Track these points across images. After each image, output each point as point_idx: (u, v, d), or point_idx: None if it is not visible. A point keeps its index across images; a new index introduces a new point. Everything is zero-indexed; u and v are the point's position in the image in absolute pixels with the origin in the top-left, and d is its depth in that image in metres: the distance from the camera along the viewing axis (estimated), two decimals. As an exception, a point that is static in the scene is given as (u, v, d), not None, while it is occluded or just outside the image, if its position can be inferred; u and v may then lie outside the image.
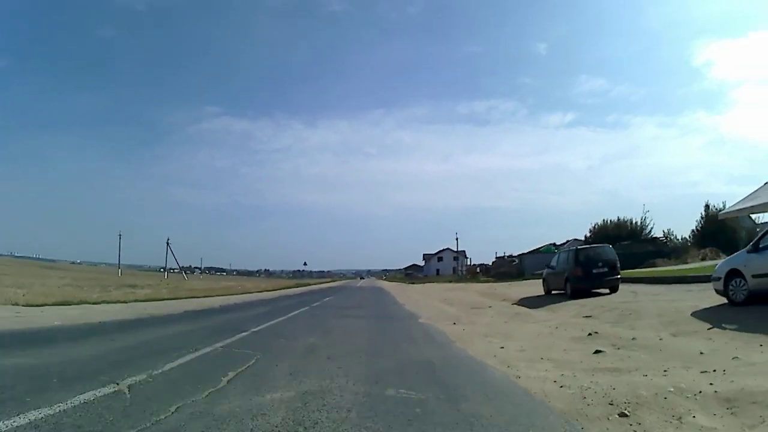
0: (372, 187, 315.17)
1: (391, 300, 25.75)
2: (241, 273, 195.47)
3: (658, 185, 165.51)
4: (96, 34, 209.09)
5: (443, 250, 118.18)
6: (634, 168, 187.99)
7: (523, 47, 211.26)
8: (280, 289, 46.19)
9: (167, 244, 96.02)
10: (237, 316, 15.22)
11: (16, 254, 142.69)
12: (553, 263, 21.38)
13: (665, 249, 36.07)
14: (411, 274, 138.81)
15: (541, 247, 60.70)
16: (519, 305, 17.58)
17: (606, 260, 18.60)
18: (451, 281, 55.56)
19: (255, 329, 10.75)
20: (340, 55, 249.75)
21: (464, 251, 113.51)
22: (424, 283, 59.29)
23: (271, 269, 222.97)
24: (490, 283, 39.65)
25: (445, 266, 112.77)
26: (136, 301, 21.02)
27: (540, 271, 42.16)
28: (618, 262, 18.83)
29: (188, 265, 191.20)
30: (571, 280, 18.60)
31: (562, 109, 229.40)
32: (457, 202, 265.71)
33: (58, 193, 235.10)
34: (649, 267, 29.64)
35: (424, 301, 23.47)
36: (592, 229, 46.33)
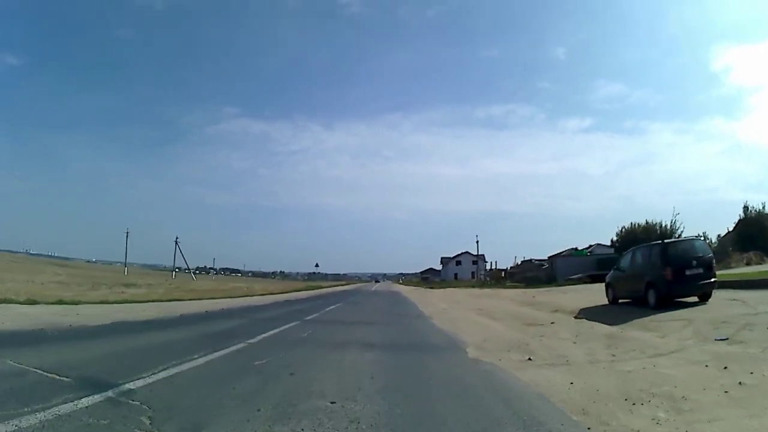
0: (389, 191, 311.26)
1: (414, 311, 20.51)
2: (256, 274, 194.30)
3: (675, 192, 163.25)
4: (114, 34, 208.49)
5: (462, 253, 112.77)
6: (651, 174, 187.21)
7: (541, 52, 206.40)
8: (287, 291, 42.32)
9: (176, 242, 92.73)
10: (190, 334, 10.23)
11: (31, 252, 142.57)
12: (624, 264, 16.51)
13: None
14: (428, 278, 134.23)
15: (570, 249, 55.59)
16: (590, 320, 12.96)
17: (700, 258, 13.87)
18: (473, 286, 50.54)
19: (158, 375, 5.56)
20: (359, 58, 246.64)
21: (483, 255, 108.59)
22: (443, 288, 54.18)
23: (286, 271, 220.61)
24: (521, 289, 34.60)
25: (464, 270, 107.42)
26: (117, 302, 18.57)
27: (574, 276, 38.12)
28: (714, 261, 14.34)
29: (204, 266, 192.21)
30: (658, 284, 13.86)
31: (580, 115, 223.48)
32: (473, 207, 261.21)
33: (75, 192, 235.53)
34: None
35: (456, 313, 18.61)
36: (619, 233, 44.00)
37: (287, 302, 26.16)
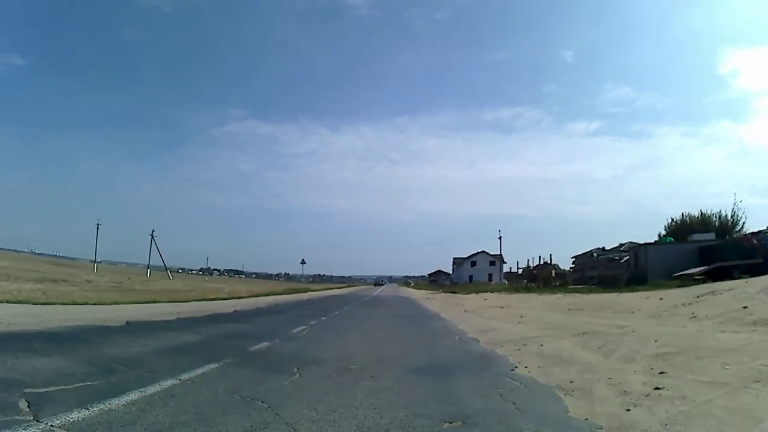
0: (395, 194, 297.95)
1: (481, 356, 8.12)
2: (260, 276, 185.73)
3: (681, 196, 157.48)
4: (121, 35, 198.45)
5: (478, 253, 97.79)
6: (657, 178, 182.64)
7: (549, 55, 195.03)
8: (268, 295, 32.64)
9: (151, 237, 78.91)
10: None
11: (36, 251, 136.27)
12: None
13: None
14: (436, 281, 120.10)
15: (596, 249, 43.15)
16: None
17: None
18: (506, 290, 35.78)
19: None
20: (366, 61, 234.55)
21: (501, 255, 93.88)
22: (465, 292, 39.60)
23: (291, 273, 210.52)
24: (606, 294, 19.94)
25: (480, 272, 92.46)
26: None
27: (682, 273, 22.55)
28: None
29: (207, 267, 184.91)
30: None
31: (587, 118, 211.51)
32: (481, 210, 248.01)
33: (82, 193, 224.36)
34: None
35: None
36: (668, 225, 38.33)
37: (241, 315, 15.99)
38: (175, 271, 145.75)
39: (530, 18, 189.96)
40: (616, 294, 20.74)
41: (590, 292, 25.03)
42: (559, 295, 25.01)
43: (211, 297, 24.69)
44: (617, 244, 47.50)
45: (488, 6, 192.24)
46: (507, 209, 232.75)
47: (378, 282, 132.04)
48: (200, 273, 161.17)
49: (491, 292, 34.58)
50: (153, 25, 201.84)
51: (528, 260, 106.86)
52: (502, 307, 19.75)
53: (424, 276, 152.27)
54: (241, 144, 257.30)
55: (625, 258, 31.21)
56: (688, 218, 38.04)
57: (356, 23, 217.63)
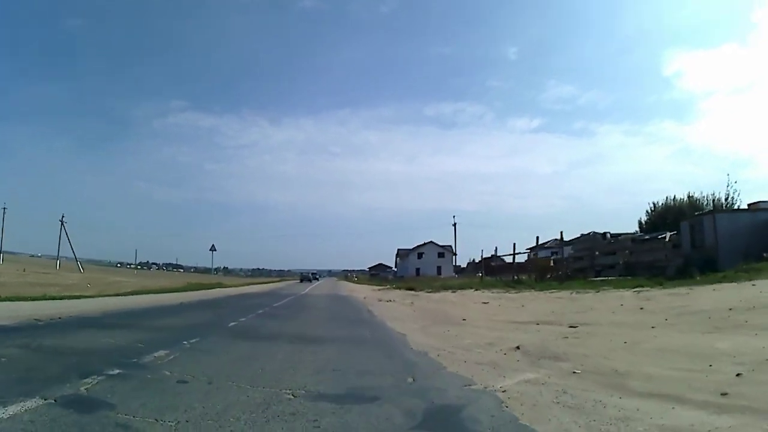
0: (335, 187, 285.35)
1: None
2: (199, 270, 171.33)
3: (622, 192, 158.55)
4: (62, 23, 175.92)
5: (425, 244, 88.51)
6: (599, 174, 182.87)
7: (493, 50, 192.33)
8: (170, 291, 24.41)
9: (61, 223, 63.28)
10: None
11: None
12: None
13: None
14: (377, 275, 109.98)
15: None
16: None
17: None
18: (478, 286, 25.84)
19: None
20: (309, 53, 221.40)
21: (451, 246, 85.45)
22: (428, 289, 28.84)
23: (230, 267, 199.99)
24: (673, 290, 10.65)
25: (428, 265, 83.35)
26: None
27: None
28: None
29: (146, 261, 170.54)
30: None
31: (530, 114, 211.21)
32: (421, 204, 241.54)
33: (18, 184, 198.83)
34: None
35: None
36: (650, 211, 35.94)
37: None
38: (114, 265, 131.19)
39: (475, 12, 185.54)
40: (708, 288, 11.59)
41: (637, 286, 15.52)
42: (590, 294, 15.36)
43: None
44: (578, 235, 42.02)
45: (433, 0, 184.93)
46: (447, 203, 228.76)
47: (306, 277, 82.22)
48: (138, 267, 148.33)
49: (469, 289, 24.46)
50: (94, 14, 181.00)
51: (482, 251, 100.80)
52: (568, 333, 9.53)
53: (365, 270, 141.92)
54: (182, 136, 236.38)
55: (669, 236, 21.96)
56: (673, 201, 34.57)
57: (300, 15, 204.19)
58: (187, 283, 31.07)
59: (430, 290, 27.21)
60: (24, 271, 38.22)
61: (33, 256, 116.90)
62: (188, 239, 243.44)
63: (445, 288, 27.01)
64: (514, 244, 33.57)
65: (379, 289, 36.37)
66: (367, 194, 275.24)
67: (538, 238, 35.49)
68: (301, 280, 74.41)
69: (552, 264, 27.40)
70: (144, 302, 16.87)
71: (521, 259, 35.68)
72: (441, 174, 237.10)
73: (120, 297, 19.39)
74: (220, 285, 33.85)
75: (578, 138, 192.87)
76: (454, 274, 79.61)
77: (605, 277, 21.72)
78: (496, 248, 55.24)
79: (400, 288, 34.37)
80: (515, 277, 28.69)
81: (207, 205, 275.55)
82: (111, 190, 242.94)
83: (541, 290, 19.44)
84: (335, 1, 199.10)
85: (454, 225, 68.85)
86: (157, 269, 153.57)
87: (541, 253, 74.45)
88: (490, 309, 14.54)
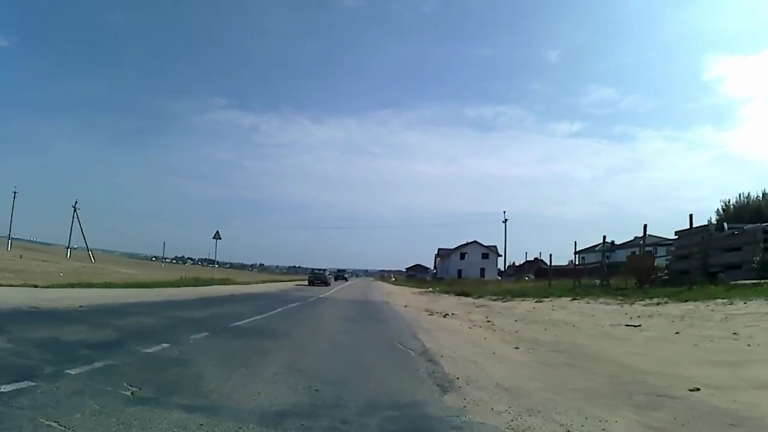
0: (375, 187, 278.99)
1: None
2: (234, 266, 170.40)
3: (661, 199, 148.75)
4: (103, 18, 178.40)
5: (468, 243, 79.42)
6: (638, 181, 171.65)
7: (534, 53, 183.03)
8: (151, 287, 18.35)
9: (74, 209, 59.09)
10: None
11: (13, 236, 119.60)
12: None
13: None
14: (414, 276, 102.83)
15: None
16: None
17: None
18: (573, 298, 17.62)
19: None
20: (351, 52, 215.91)
21: (496, 247, 76.82)
22: (488, 295, 20.85)
23: (266, 263, 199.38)
24: None
25: (470, 266, 74.61)
26: None
27: None
28: None
29: (182, 256, 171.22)
30: None
31: (570, 118, 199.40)
32: (459, 206, 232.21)
33: (56, 177, 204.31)
34: None
35: None
36: (724, 206, 31.80)
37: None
38: (150, 258, 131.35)
39: (516, 15, 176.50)
40: None
41: None
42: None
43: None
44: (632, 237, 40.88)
45: (474, 1, 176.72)
46: (485, 206, 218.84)
47: (319, 276, 44.40)
48: (173, 261, 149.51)
49: (548, 297, 16.49)
50: (136, 10, 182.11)
51: (525, 253, 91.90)
52: None
53: (401, 270, 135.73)
54: (221, 133, 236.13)
55: None
56: (747, 199, 31.08)
57: (342, 13, 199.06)
58: (180, 277, 24.53)
59: (493, 297, 19.40)
60: (21, 257, 33.91)
61: (69, 247, 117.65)
62: (225, 236, 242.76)
63: (512, 294, 19.28)
64: (605, 237, 25.41)
65: (421, 293, 28.92)
66: (405, 195, 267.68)
67: (604, 237, 28.84)
68: (311, 282, 41.57)
69: (655, 264, 19.21)
70: (81, 297, 10.39)
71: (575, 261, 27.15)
72: (480, 176, 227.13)
73: (74, 288, 14.41)
74: (225, 281, 27.21)
75: (618, 143, 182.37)
76: (498, 276, 71.47)
77: (731, 279, 13.82)
78: (546, 253, 46.72)
79: (448, 292, 26.74)
80: (603, 282, 20.63)
81: (244, 202, 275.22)
82: (148, 184, 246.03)
83: (671, 301, 11.56)
84: (377, 0, 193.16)
85: (505, 222, 59.71)
86: (192, 264, 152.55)
87: (589, 257, 65.09)
88: (686, 344, 6.78)
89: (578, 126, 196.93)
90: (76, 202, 60.62)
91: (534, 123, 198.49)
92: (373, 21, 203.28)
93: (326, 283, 42.12)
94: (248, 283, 31.26)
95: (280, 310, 12.44)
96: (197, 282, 22.95)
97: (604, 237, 27.68)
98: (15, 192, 69.95)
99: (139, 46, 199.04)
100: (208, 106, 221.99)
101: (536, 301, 15.86)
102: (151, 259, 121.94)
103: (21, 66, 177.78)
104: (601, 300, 14.55)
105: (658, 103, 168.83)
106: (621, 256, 58.17)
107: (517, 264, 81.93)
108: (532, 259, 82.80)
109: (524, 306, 14.66)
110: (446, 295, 24.29)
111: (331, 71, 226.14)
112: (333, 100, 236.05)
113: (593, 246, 71.42)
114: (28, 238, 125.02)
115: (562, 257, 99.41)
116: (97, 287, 16.06)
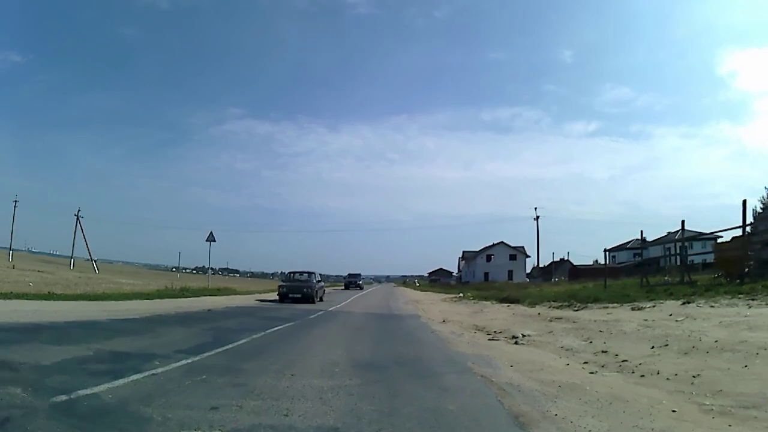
0: (393, 193, 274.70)
1: None
2: (255, 275, 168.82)
3: (679, 197, 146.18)
4: (118, 33, 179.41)
5: (494, 245, 73.55)
6: (656, 179, 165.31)
7: (548, 54, 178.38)
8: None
9: (77, 218, 55.73)
10: None
11: (33, 249, 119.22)
12: None
13: None
14: (437, 280, 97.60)
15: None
16: None
17: None
18: (669, 298, 12.64)
19: None
20: (365, 59, 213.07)
21: (523, 247, 71.06)
22: (547, 303, 15.94)
23: (285, 271, 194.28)
24: None
25: (497, 268, 69.23)
26: None
27: None
28: None
29: (201, 266, 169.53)
30: None
31: (586, 118, 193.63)
32: (478, 210, 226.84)
33: (76, 190, 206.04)
34: None
35: None
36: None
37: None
38: (170, 269, 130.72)
39: (529, 17, 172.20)
40: None
41: None
42: None
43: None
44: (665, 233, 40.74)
45: (487, 4, 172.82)
46: (504, 209, 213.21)
47: (351, 281, 48.24)
48: (194, 271, 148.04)
49: (614, 303, 11.48)
50: (151, 23, 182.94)
51: (552, 254, 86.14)
52: None
53: (423, 276, 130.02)
54: (238, 143, 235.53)
55: None
56: None
57: (355, 21, 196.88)
58: (165, 287, 20.07)
59: (554, 305, 14.42)
60: (13, 267, 30.94)
61: (72, 257, 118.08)
62: (244, 245, 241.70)
63: (576, 299, 14.27)
64: (682, 227, 20.00)
65: (452, 299, 23.97)
66: (424, 200, 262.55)
67: (642, 232, 23.59)
68: (346, 287, 40.14)
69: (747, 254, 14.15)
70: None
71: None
72: (498, 180, 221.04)
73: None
74: (218, 291, 22.58)
75: (635, 141, 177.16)
76: (526, 279, 65.93)
77: None
78: (567, 254, 41.15)
79: (486, 298, 21.75)
80: (686, 278, 15.61)
81: (263, 211, 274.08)
82: (168, 196, 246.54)
83: None
84: (390, 7, 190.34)
85: (536, 219, 53.48)
86: (213, 273, 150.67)
87: (621, 256, 59.00)
88: None
89: (594, 126, 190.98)
90: (78, 211, 57.28)
91: (550, 124, 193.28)
92: (386, 28, 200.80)
93: (358, 288, 44.49)
94: (250, 292, 26.58)
95: (243, 341, 7.55)
96: (183, 293, 18.56)
97: (642, 232, 21.74)
98: (15, 201, 66.52)
99: (155, 59, 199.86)
100: (224, 117, 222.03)
101: (633, 309, 10.91)
102: (172, 270, 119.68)
103: (38, 82, 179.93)
104: (726, 301, 9.65)
105: (674, 99, 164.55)
106: (655, 252, 52.21)
107: (541, 266, 76.16)
108: (558, 260, 77.95)
109: (624, 316, 9.74)
110: (487, 303, 19.32)
111: (346, 79, 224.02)
112: (348, 108, 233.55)
113: (624, 243, 65.80)
114: (49, 252, 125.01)
115: (583, 257, 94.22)
116: (51, 299, 12.18)
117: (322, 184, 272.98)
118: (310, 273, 21.95)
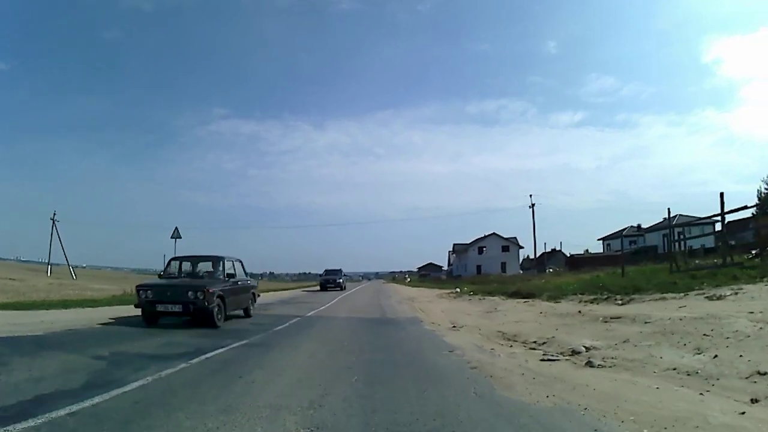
0: (380, 188, 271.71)
1: None
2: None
3: (667, 185, 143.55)
4: (101, 36, 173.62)
5: (486, 236, 70.85)
6: (643, 167, 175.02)
7: (532, 46, 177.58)
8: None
9: (52, 222, 51.29)
10: None
11: (22, 258, 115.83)
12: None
13: None
14: (427, 275, 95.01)
15: None
16: None
17: None
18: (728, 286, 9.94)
19: None
20: (349, 55, 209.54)
21: (516, 238, 68.50)
22: (588, 298, 13.04)
23: (276, 272, 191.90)
24: None
25: (490, 260, 66.55)
26: None
27: None
28: None
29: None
30: None
31: (572, 109, 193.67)
32: (466, 203, 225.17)
33: (63, 197, 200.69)
34: None
35: None
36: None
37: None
38: (47, 264, 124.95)
39: (513, 8, 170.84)
40: None
41: None
42: None
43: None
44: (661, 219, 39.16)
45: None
46: (492, 202, 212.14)
47: (328, 279, 36.32)
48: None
49: (662, 294, 8.69)
50: (134, 25, 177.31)
51: (544, 244, 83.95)
52: None
53: (412, 271, 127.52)
54: (224, 143, 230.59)
55: None
56: None
57: (338, 17, 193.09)
58: (124, 292, 17.00)
59: (581, 299, 11.54)
60: None
61: (77, 266, 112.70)
62: (233, 245, 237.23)
63: (605, 290, 11.48)
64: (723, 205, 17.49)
65: (450, 295, 21.00)
66: (412, 195, 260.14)
67: (639, 226, 19.91)
68: (322, 287, 35.52)
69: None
70: None
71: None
72: (485, 172, 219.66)
73: None
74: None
75: (621, 130, 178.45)
76: (520, 270, 63.49)
77: None
78: (557, 244, 38.34)
79: (491, 293, 18.87)
80: (725, 260, 13.03)
81: (251, 210, 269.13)
82: (156, 198, 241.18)
83: None
84: (373, 2, 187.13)
85: (532, 206, 49.49)
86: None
87: (615, 244, 56.85)
88: None
89: (580, 116, 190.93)
90: (54, 214, 52.99)
91: (536, 115, 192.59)
92: (370, 23, 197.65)
93: (337, 287, 34.47)
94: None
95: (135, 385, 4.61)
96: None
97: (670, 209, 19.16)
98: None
99: (139, 62, 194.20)
100: (210, 117, 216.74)
101: (708, 298, 8.04)
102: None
103: (21, 88, 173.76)
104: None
105: (659, 88, 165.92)
106: (651, 239, 49.58)
107: (531, 257, 73.79)
108: (550, 250, 75.87)
109: (710, 309, 6.84)
110: (495, 299, 16.40)
111: (330, 76, 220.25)
112: (334, 105, 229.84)
113: (619, 231, 64.01)
114: (38, 260, 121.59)
115: (576, 247, 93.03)
116: None
117: (309, 181, 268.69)
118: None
